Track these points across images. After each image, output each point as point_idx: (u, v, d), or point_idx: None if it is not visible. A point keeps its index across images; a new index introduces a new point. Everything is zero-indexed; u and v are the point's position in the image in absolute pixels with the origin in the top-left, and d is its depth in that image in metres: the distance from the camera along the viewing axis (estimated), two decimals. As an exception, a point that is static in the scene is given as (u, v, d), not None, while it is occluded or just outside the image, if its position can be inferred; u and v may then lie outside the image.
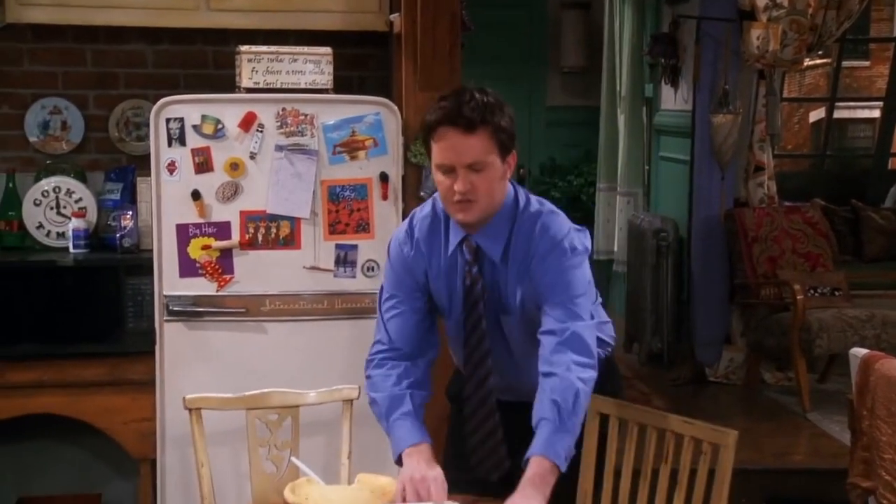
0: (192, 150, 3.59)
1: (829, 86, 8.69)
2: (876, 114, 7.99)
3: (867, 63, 16.85)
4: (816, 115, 15.92)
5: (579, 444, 2.45)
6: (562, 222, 2.53)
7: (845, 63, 8.60)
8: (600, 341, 2.58)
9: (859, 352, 3.36)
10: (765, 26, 5.74)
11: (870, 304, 5.77)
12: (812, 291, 5.82)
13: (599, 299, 2.69)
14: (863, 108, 15.14)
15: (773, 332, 5.75)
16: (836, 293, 5.90)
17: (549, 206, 2.56)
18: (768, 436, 5.08)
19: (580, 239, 2.53)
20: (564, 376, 2.34)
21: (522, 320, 2.54)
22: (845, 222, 6.85)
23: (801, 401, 5.51)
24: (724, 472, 2.39)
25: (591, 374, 2.39)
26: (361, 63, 4.36)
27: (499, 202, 2.48)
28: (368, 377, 2.60)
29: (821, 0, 5.74)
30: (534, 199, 2.57)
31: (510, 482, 2.33)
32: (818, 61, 6.97)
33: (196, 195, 3.58)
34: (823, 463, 4.72)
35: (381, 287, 2.67)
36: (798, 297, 5.48)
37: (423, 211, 2.63)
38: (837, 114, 9.58)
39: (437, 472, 2.37)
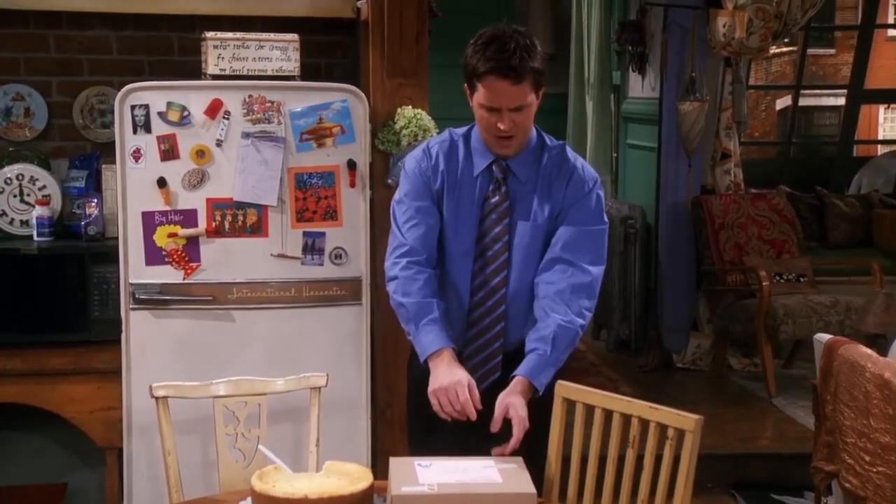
0: (158, 138, 3.56)
1: (795, 73, 8.74)
2: (841, 101, 8.05)
3: (832, 51, 16.98)
4: (783, 102, 16.03)
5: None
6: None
7: (811, 51, 8.68)
8: None
9: (823, 337, 3.40)
10: (731, 14, 5.78)
11: (834, 290, 5.84)
12: (778, 278, 5.87)
13: None
14: (828, 95, 15.26)
15: (739, 318, 5.80)
16: (802, 279, 5.96)
17: None
18: (734, 421, 5.13)
19: None
20: (572, 320, 2.64)
21: (539, 231, 2.73)
22: (810, 209, 6.92)
23: (767, 386, 5.57)
24: (688, 457, 2.41)
25: (590, 318, 2.71)
26: (329, 50, 4.34)
27: (531, 132, 2.75)
28: (394, 278, 2.75)
29: (786, -12, 5.79)
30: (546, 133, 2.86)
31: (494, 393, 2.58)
32: (784, 49, 7.06)
33: (162, 182, 3.56)
34: (788, 447, 4.78)
35: (394, 204, 2.83)
36: (764, 284, 5.53)
37: (439, 137, 2.85)
38: (803, 101, 9.64)
39: (462, 375, 2.57)
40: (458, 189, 2.76)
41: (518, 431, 2.47)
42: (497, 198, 2.73)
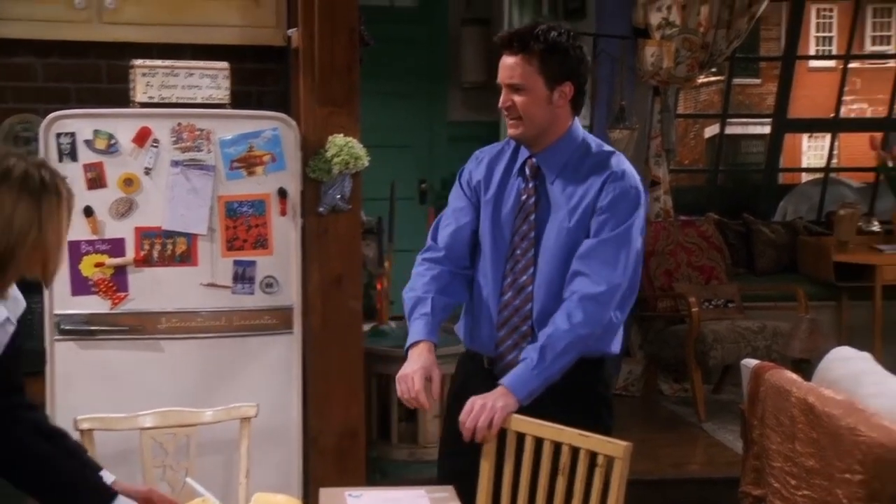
0: (84, 166, 3.51)
1: (722, 102, 8.90)
2: (767, 130, 8.21)
3: (758, 81, 17.35)
4: (711, 130, 16.31)
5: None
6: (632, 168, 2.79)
7: (738, 81, 8.83)
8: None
9: (750, 362, 3.44)
10: (658, 44, 5.88)
11: (761, 316, 5.93)
12: (707, 304, 5.95)
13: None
14: (755, 124, 15.57)
15: (669, 343, 5.86)
16: (730, 305, 6.04)
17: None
18: (666, 446, 5.17)
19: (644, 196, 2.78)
20: (569, 329, 2.61)
21: (567, 234, 2.71)
22: (738, 236, 7.02)
23: (697, 411, 5.63)
24: (618, 484, 2.42)
25: (592, 332, 2.64)
26: (259, 78, 4.31)
27: (546, 123, 2.72)
28: (413, 274, 2.89)
29: (711, 19, 5.90)
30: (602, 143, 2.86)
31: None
32: (712, 78, 7.17)
33: (88, 211, 3.51)
34: (718, 472, 4.82)
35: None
36: (693, 310, 5.60)
37: (494, 145, 2.95)
38: (731, 130, 9.82)
39: (423, 365, 2.67)
40: (498, 190, 2.81)
41: (464, 416, 2.58)
42: (525, 195, 2.77)
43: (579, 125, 2.83)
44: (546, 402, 2.66)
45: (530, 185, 2.77)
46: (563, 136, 2.76)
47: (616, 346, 2.85)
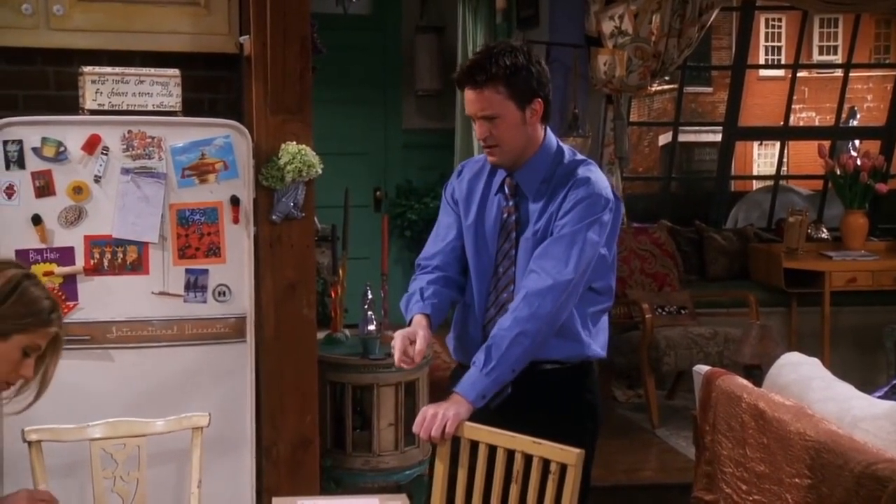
0: (33, 174, 3.46)
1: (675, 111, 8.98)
2: (720, 138, 8.30)
3: (710, 89, 17.56)
4: (665, 138, 16.47)
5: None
6: (602, 177, 2.81)
7: (690, 89, 8.90)
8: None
9: (702, 368, 3.47)
10: (611, 52, 5.93)
11: (713, 322, 5.99)
12: (660, 310, 6.00)
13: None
14: (707, 132, 15.74)
15: (623, 350, 5.90)
16: (682, 312, 6.09)
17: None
18: (619, 452, 5.20)
19: (614, 203, 2.81)
20: (510, 325, 2.63)
21: (536, 244, 2.74)
22: (690, 243, 7.09)
23: (651, 417, 5.67)
24: (571, 491, 2.44)
25: (538, 327, 2.63)
26: (211, 85, 4.28)
27: (523, 144, 2.76)
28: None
29: (662, 28, 5.96)
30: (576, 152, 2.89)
31: (506, 411, 2.69)
32: (665, 87, 7.21)
33: (37, 220, 3.46)
34: (671, 478, 4.86)
35: None
36: (647, 316, 5.65)
37: (475, 159, 2.97)
38: (684, 138, 9.92)
39: (402, 332, 2.73)
40: (479, 209, 2.85)
41: (416, 427, 2.61)
42: (506, 213, 2.80)
43: (552, 135, 2.85)
44: (531, 408, 2.69)
45: (510, 203, 2.80)
46: (538, 151, 2.79)
47: (602, 350, 2.91)
